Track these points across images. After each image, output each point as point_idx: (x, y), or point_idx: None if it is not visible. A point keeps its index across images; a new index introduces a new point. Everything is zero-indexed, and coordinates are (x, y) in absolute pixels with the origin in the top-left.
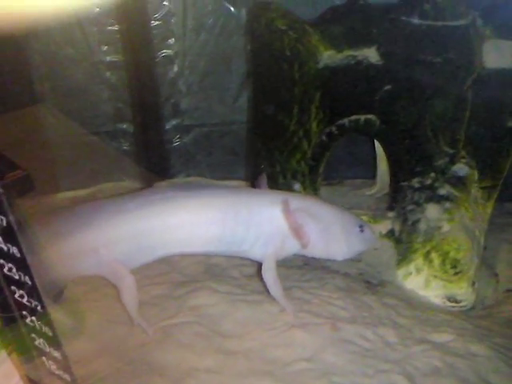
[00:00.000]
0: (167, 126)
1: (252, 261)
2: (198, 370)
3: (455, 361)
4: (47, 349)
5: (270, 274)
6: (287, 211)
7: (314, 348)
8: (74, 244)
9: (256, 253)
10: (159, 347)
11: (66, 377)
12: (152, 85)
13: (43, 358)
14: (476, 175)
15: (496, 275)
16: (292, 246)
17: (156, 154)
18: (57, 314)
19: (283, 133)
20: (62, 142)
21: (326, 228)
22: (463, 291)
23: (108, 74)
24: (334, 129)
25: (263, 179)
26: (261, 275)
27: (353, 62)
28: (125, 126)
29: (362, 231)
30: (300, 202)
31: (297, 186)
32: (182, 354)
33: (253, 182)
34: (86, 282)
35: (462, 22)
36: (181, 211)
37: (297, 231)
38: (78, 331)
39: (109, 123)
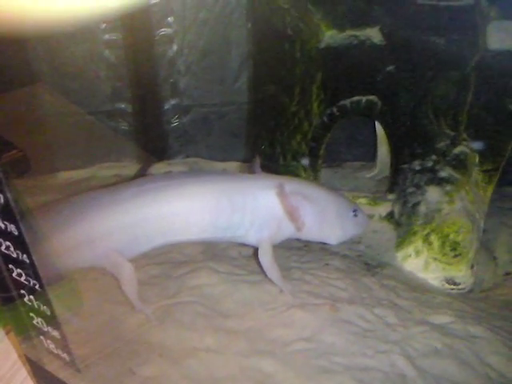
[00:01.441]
0: (166, 106)
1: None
2: (198, 350)
3: (454, 342)
4: (45, 328)
5: (266, 258)
6: (282, 195)
7: (314, 328)
8: (70, 237)
9: (251, 237)
10: (159, 327)
11: (65, 356)
12: (151, 64)
13: (41, 337)
14: (477, 158)
15: (495, 258)
16: (287, 230)
17: (154, 134)
18: (54, 293)
19: (284, 113)
20: (59, 122)
21: (321, 211)
22: (462, 274)
23: (107, 52)
24: (335, 110)
25: (257, 162)
26: (258, 258)
27: (355, 42)
28: (123, 106)
29: (355, 215)
30: (295, 186)
31: (305, 160)
32: (181, 334)
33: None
34: None
35: (465, 3)
36: (175, 199)
37: (292, 214)
38: (76, 311)
39: (107, 103)
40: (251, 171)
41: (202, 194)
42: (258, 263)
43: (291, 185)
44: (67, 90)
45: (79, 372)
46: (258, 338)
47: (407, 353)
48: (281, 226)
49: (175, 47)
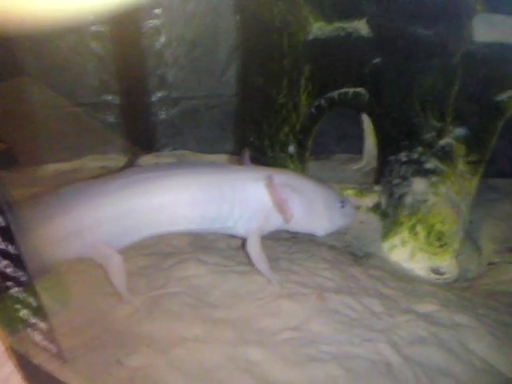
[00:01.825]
0: (153, 99)
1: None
2: (186, 340)
3: (439, 330)
4: (32, 320)
5: (254, 249)
6: (271, 186)
7: (301, 317)
8: (57, 228)
9: (240, 229)
10: (147, 318)
11: (52, 348)
12: (138, 56)
13: (28, 329)
14: (463, 149)
15: (479, 249)
16: (275, 221)
17: (142, 126)
18: (41, 286)
19: (272, 105)
20: (45, 115)
21: (309, 203)
22: (447, 263)
23: (93, 44)
24: (322, 102)
25: (246, 154)
26: (246, 249)
27: (343, 34)
28: (110, 98)
29: (342, 207)
30: (283, 177)
31: (291, 148)
32: (169, 324)
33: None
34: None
35: None
36: (163, 191)
37: (281, 206)
38: (63, 303)
39: (94, 95)
40: (240, 163)
41: (190, 185)
42: (246, 254)
43: (280, 176)
44: (53, 83)
45: (66, 363)
46: (246, 328)
47: (393, 341)
48: (269, 217)
49: (163, 39)
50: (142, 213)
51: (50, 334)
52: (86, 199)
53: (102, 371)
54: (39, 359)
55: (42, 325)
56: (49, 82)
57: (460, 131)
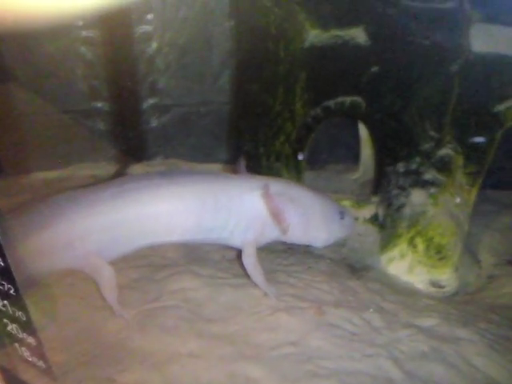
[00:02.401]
0: (144, 106)
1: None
2: (180, 355)
3: (441, 345)
4: (20, 335)
5: (250, 261)
6: (267, 196)
7: (300, 332)
8: (47, 238)
9: (236, 239)
10: (140, 332)
11: (41, 364)
12: (129, 62)
13: (16, 344)
14: (461, 160)
15: (479, 261)
16: (272, 232)
17: (133, 134)
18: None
19: (267, 114)
20: (33, 122)
21: (307, 214)
22: (447, 276)
23: (83, 49)
24: (319, 110)
25: (242, 163)
26: (241, 261)
27: (340, 42)
28: (100, 105)
29: (342, 218)
30: (280, 187)
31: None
32: (163, 339)
33: (234, 165)
34: None
35: (450, 5)
36: (157, 200)
37: (277, 216)
38: (52, 318)
39: (84, 102)
40: (236, 172)
41: (185, 194)
42: (242, 266)
43: (277, 186)
44: (42, 89)
45: (55, 380)
46: (243, 343)
47: (394, 356)
48: (266, 228)
49: (154, 45)
50: (135, 223)
51: (38, 350)
52: (77, 209)
53: None
54: (27, 376)
55: (31, 340)
56: (38, 88)
57: (458, 142)
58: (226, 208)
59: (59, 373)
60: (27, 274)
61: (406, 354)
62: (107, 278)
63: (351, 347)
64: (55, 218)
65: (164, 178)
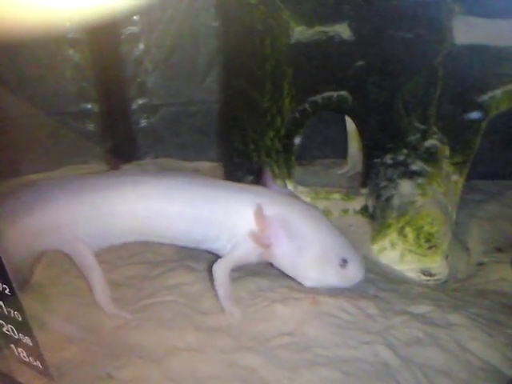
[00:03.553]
0: (133, 106)
1: None
2: (178, 349)
3: (435, 330)
4: (16, 335)
5: (222, 274)
6: (258, 215)
7: (296, 322)
8: (36, 220)
9: (227, 251)
10: (137, 328)
11: (37, 364)
12: (117, 63)
13: (12, 345)
14: (447, 151)
15: (468, 249)
16: (259, 254)
17: (122, 134)
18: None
19: (256, 110)
20: (23, 125)
21: (299, 246)
22: (437, 265)
23: (71, 51)
24: (306, 106)
25: (267, 175)
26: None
27: (324, 37)
28: (89, 107)
29: (342, 266)
30: (281, 209)
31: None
32: (161, 334)
33: (224, 163)
34: (57, 265)
35: None
36: (150, 198)
37: (259, 238)
38: (48, 317)
39: (73, 103)
40: (261, 184)
41: (180, 200)
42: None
43: (276, 208)
44: (31, 91)
45: (53, 380)
46: (240, 334)
47: (390, 342)
48: (257, 248)
49: (142, 46)
50: (124, 217)
51: (35, 350)
52: (68, 195)
53: None
54: (24, 377)
55: (27, 340)
56: (26, 92)
57: (444, 133)
58: (222, 221)
59: (56, 373)
60: (14, 254)
61: (401, 340)
62: (97, 280)
63: (347, 335)
64: (45, 202)
65: (162, 179)
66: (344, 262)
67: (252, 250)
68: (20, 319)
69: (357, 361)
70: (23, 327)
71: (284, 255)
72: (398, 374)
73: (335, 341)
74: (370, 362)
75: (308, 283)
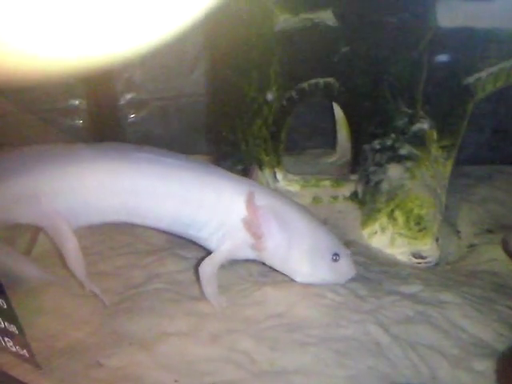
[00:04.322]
0: (121, 101)
1: None
2: (169, 335)
3: (425, 309)
4: (1, 324)
5: (209, 270)
6: (250, 204)
7: (286, 304)
8: (13, 187)
9: (213, 243)
10: (128, 316)
11: (24, 353)
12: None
13: None
14: (435, 134)
15: (458, 232)
16: (251, 249)
17: (111, 130)
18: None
19: (243, 99)
20: (10, 122)
21: (291, 240)
22: (428, 247)
23: None
24: (293, 93)
25: (255, 170)
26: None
27: (309, 24)
28: (77, 102)
29: (335, 260)
30: (273, 200)
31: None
32: (151, 320)
33: (213, 153)
34: (44, 258)
35: None
36: (137, 176)
37: (252, 228)
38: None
39: (61, 99)
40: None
41: (170, 179)
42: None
43: (268, 198)
44: (18, 88)
45: (40, 368)
46: (231, 318)
47: (380, 321)
48: (246, 240)
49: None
50: (109, 195)
51: (21, 339)
52: (50, 163)
53: (79, 374)
54: (9, 366)
55: (13, 328)
56: (13, 88)
57: (431, 117)
58: (212, 207)
59: (44, 362)
60: None
61: (392, 319)
62: (72, 251)
63: (338, 315)
64: (25, 168)
65: (153, 156)
66: (336, 257)
67: (242, 242)
68: (4, 307)
69: (348, 339)
70: (8, 315)
71: (275, 248)
72: (389, 351)
73: (326, 321)
74: (361, 341)
75: (299, 278)
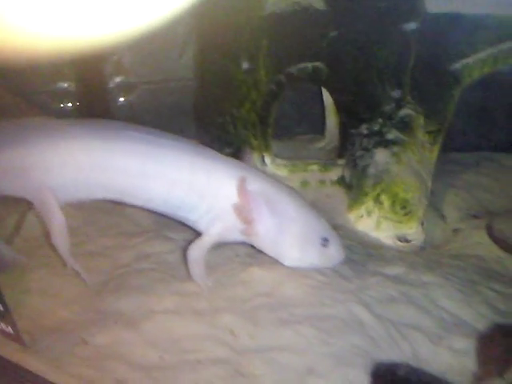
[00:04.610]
0: (110, 84)
1: None
2: (155, 313)
3: (409, 289)
4: None
5: (197, 253)
6: (241, 188)
7: (272, 284)
8: (3, 158)
9: (203, 225)
10: (114, 295)
11: (9, 330)
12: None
13: None
14: (422, 120)
15: (443, 217)
16: (240, 232)
17: (100, 113)
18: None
19: (231, 82)
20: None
21: (281, 224)
22: (413, 231)
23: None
24: (282, 77)
25: (248, 155)
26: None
27: (298, 8)
28: (66, 85)
29: (324, 245)
30: (263, 185)
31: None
32: (138, 299)
33: (202, 136)
34: (33, 238)
35: None
36: (130, 155)
37: (242, 213)
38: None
39: (50, 82)
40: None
41: (160, 158)
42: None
43: (260, 182)
44: (7, 71)
45: (24, 345)
46: (217, 298)
47: (364, 301)
48: (236, 225)
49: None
50: (99, 171)
51: (5, 314)
52: (42, 136)
53: (64, 352)
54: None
55: None
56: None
57: (418, 102)
58: (203, 189)
59: (30, 339)
60: None
61: (376, 299)
62: (58, 227)
63: (322, 295)
64: (16, 139)
65: (146, 135)
66: (325, 242)
67: (231, 226)
68: None
69: (331, 318)
70: None
71: (265, 232)
72: (372, 329)
73: (310, 300)
74: (345, 320)
75: (289, 262)
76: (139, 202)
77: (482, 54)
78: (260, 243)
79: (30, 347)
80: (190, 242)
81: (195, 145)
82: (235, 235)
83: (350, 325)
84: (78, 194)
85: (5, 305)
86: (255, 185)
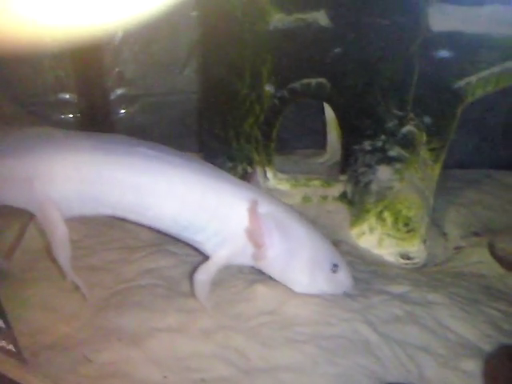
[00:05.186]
0: (112, 96)
1: None
2: (159, 330)
3: (414, 309)
4: None
5: (204, 278)
6: (252, 212)
7: (276, 302)
8: (8, 167)
9: (209, 247)
10: (117, 311)
11: (11, 347)
12: (95, 52)
13: None
14: (424, 137)
15: (445, 234)
16: (248, 256)
17: (101, 125)
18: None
19: (235, 96)
20: None
21: (292, 249)
22: (416, 248)
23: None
24: (285, 92)
25: (255, 174)
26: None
27: (302, 24)
28: (68, 96)
29: (334, 271)
30: (274, 209)
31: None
32: (141, 316)
33: (204, 150)
34: (34, 251)
35: None
36: (138, 173)
37: (254, 237)
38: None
39: (50, 93)
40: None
41: (170, 177)
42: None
43: (270, 206)
44: (8, 81)
45: (26, 363)
46: (222, 315)
47: (369, 320)
48: (245, 249)
49: (120, 35)
50: (106, 188)
51: (8, 332)
52: (48, 147)
53: (67, 370)
54: None
55: (0, 323)
56: (2, 81)
57: (421, 119)
58: (212, 210)
59: (31, 356)
60: None
61: (381, 318)
62: (60, 238)
63: (327, 313)
64: (21, 149)
65: (157, 152)
66: (335, 267)
67: (241, 250)
68: None
69: (337, 338)
70: None
71: (275, 257)
72: (378, 349)
73: (315, 319)
74: (350, 339)
75: (299, 288)
76: (145, 221)
77: (485, 73)
78: (269, 268)
79: (30, 364)
80: (193, 257)
81: (205, 164)
82: (243, 259)
83: (356, 344)
84: (82, 210)
85: (7, 320)
86: (266, 208)
